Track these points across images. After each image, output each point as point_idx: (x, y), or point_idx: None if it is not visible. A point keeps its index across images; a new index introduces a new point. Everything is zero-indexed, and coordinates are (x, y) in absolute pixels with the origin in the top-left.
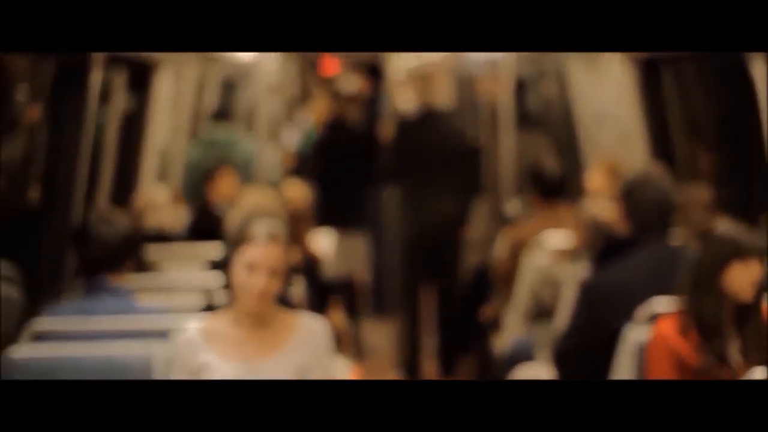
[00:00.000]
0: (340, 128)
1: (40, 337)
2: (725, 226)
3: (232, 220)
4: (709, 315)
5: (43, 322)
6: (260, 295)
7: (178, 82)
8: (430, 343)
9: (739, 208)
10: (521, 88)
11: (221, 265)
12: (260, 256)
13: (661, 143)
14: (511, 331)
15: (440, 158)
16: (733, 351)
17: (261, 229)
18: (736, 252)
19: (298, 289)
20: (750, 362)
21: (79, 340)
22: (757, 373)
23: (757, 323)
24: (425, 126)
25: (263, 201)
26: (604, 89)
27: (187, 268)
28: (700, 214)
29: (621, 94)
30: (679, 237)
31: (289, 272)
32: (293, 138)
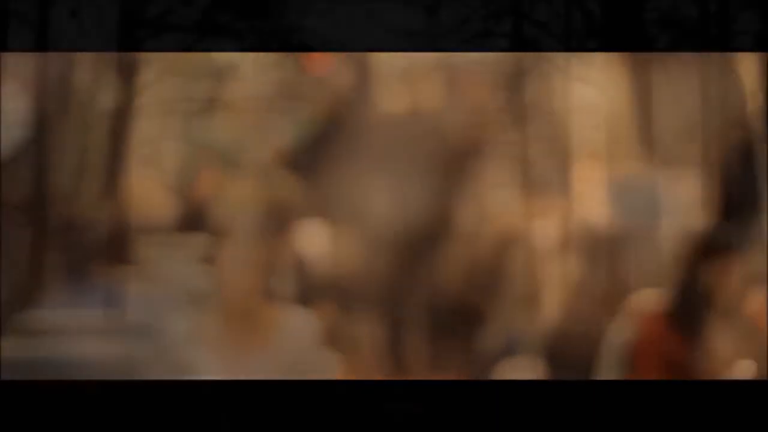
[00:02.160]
0: (329, 123)
1: (25, 332)
2: (701, 224)
3: (216, 215)
4: (693, 312)
5: (29, 318)
6: (244, 291)
7: (167, 73)
8: (417, 337)
9: (730, 203)
10: (509, 84)
11: (208, 260)
12: (243, 252)
13: (650, 138)
14: (498, 326)
15: (427, 154)
16: (719, 346)
17: (244, 223)
18: (712, 249)
19: (286, 283)
20: (736, 357)
21: (65, 335)
22: (743, 367)
23: (742, 318)
24: (413, 122)
25: (249, 195)
26: (593, 83)
27: (175, 261)
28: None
29: (610, 88)
30: (665, 235)
31: (275, 266)
32: (283, 132)
